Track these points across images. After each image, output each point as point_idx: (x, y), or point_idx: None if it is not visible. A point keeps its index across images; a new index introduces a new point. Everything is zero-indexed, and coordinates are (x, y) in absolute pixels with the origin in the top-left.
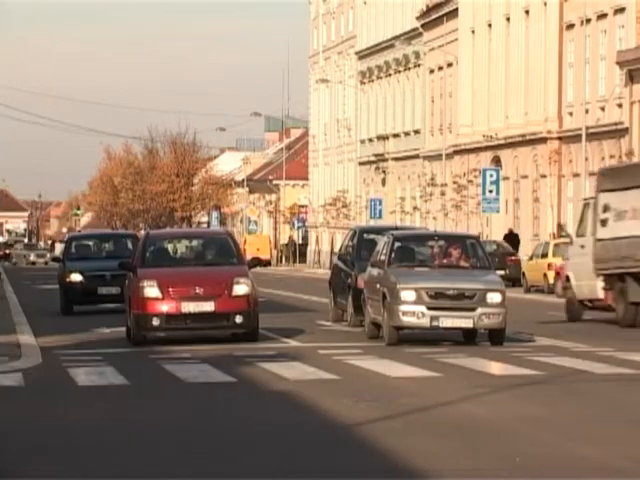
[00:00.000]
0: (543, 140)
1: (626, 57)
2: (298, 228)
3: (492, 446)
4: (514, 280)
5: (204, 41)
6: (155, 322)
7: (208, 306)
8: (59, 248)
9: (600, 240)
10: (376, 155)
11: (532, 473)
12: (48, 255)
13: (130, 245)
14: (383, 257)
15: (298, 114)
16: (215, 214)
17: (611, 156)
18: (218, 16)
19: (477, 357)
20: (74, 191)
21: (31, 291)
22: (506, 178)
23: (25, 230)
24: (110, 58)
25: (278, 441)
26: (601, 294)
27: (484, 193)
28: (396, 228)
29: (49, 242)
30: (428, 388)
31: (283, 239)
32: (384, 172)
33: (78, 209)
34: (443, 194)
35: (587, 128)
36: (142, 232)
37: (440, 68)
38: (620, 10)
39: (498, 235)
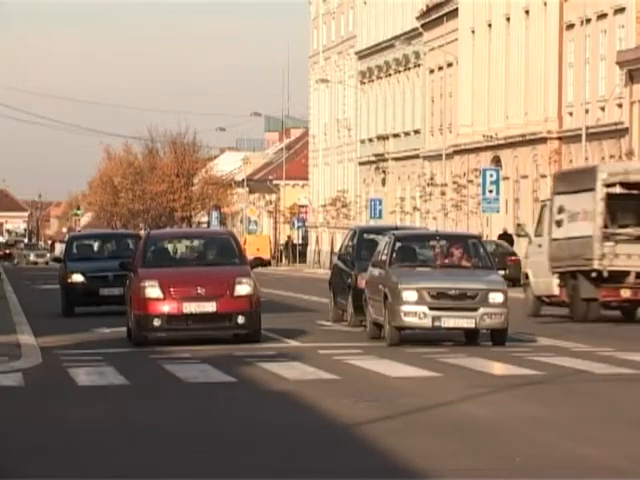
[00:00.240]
0: (543, 140)
1: (626, 57)
2: (298, 228)
3: (492, 446)
4: (514, 280)
5: (204, 41)
6: (156, 323)
7: (210, 306)
8: (59, 248)
9: (555, 240)
10: (376, 155)
11: (532, 473)
12: (48, 255)
13: (132, 245)
14: (384, 257)
15: (298, 114)
16: (215, 214)
17: (611, 156)
18: (218, 16)
19: (477, 357)
20: (74, 191)
21: (31, 291)
22: (506, 178)
23: (25, 230)
24: (110, 58)
25: (278, 441)
26: (556, 290)
27: (484, 193)
28: (396, 228)
29: (49, 242)
30: (428, 388)
31: (283, 239)
32: (384, 172)
33: (78, 209)
34: (443, 194)
35: (587, 128)
36: (142, 232)
37: (440, 68)
38: (620, 10)
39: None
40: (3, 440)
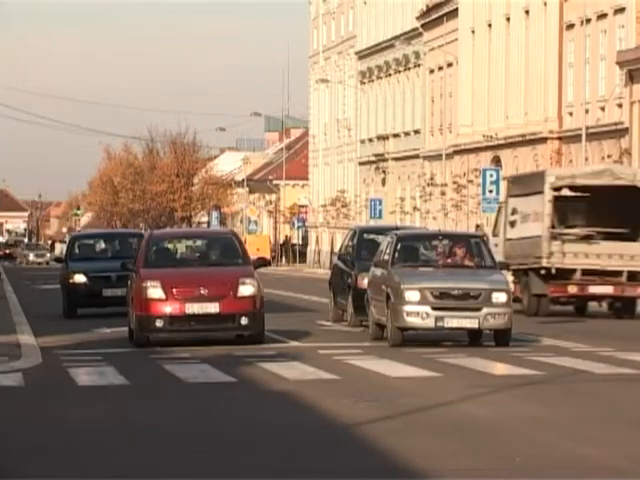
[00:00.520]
0: (543, 140)
1: (626, 57)
2: (298, 228)
3: (492, 446)
4: None
5: (204, 41)
6: (158, 324)
7: (213, 307)
8: (59, 248)
9: (509, 240)
10: (376, 155)
11: (532, 473)
12: (48, 255)
13: (136, 245)
14: (386, 257)
15: (298, 114)
16: (215, 214)
17: (609, 156)
18: (218, 16)
19: (477, 357)
20: (74, 191)
21: (31, 291)
22: (506, 178)
23: (25, 230)
24: (110, 58)
25: (278, 441)
26: (511, 287)
27: (484, 193)
28: (396, 228)
29: (49, 242)
30: (428, 388)
31: (282, 239)
32: (384, 172)
33: (78, 209)
34: (443, 194)
35: (587, 128)
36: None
37: (440, 68)
38: (620, 10)
39: None
40: (3, 440)
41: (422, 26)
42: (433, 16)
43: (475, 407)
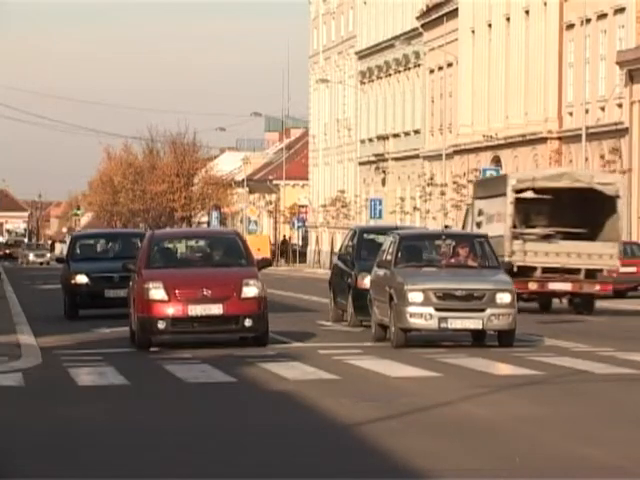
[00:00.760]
0: (543, 140)
1: (626, 57)
2: (298, 228)
3: (492, 446)
4: None
5: (204, 41)
6: (161, 325)
7: (216, 309)
8: (59, 248)
9: None
10: (376, 155)
11: (532, 473)
12: (48, 255)
13: (139, 244)
14: (389, 257)
15: (298, 114)
16: (215, 214)
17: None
18: (218, 16)
19: (477, 357)
20: (74, 191)
21: (31, 291)
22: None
23: (25, 230)
24: (110, 58)
25: (278, 441)
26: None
27: None
28: (396, 228)
29: (49, 242)
30: (428, 388)
31: (281, 239)
32: (384, 172)
33: (78, 209)
34: (443, 194)
35: (587, 128)
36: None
37: (440, 68)
38: (620, 10)
39: None
40: (3, 440)
41: (422, 26)
42: (433, 16)
43: (475, 407)
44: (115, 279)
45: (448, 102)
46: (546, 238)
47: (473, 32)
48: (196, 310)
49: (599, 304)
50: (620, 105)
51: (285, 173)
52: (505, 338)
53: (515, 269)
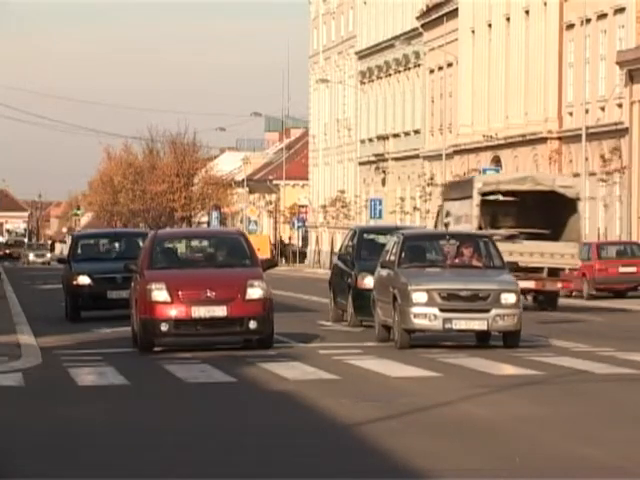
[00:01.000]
0: (543, 140)
1: (626, 57)
2: (298, 228)
3: (492, 446)
4: None
5: (204, 41)
6: (163, 328)
7: (220, 311)
8: (59, 248)
9: None
10: (376, 155)
11: (532, 473)
12: (48, 255)
13: (142, 244)
14: (393, 257)
15: (298, 114)
16: (215, 214)
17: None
18: (218, 16)
19: (477, 357)
20: (74, 191)
21: (31, 291)
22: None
23: (25, 230)
24: (110, 58)
25: (278, 441)
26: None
27: None
28: (396, 228)
29: (49, 242)
30: (428, 388)
31: (288, 240)
32: (384, 172)
33: (78, 209)
34: None
35: (587, 128)
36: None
37: (440, 68)
38: (620, 10)
39: None
40: (3, 440)
41: (422, 26)
42: (433, 16)
43: (475, 407)
44: (118, 280)
45: (448, 102)
46: (510, 238)
47: (473, 32)
48: (200, 312)
49: (599, 304)
50: (620, 105)
51: (285, 173)
52: (510, 339)
53: None
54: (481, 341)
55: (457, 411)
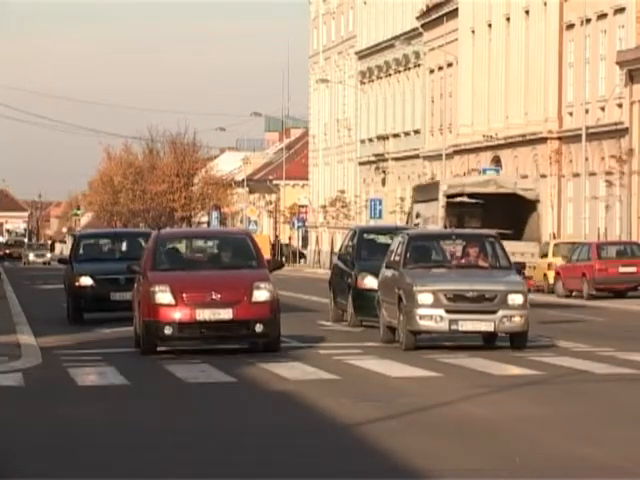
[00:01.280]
0: (543, 140)
1: (626, 57)
2: (298, 228)
3: (492, 446)
4: None
5: (204, 41)
6: (167, 331)
7: (226, 313)
8: (59, 248)
9: None
10: (376, 155)
11: (532, 473)
12: (48, 255)
13: (145, 245)
14: (398, 258)
15: (298, 114)
16: (215, 214)
17: (612, 156)
18: (218, 16)
19: (477, 357)
20: (74, 191)
21: (31, 291)
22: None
23: (25, 230)
24: (110, 58)
25: (278, 441)
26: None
27: None
28: (396, 228)
29: (49, 242)
30: (428, 388)
31: (283, 239)
32: (384, 172)
33: (78, 209)
34: None
35: (587, 128)
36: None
37: (440, 68)
38: (620, 10)
39: None
40: (3, 440)
41: (422, 26)
42: (433, 16)
43: (475, 407)
44: (121, 281)
45: (448, 102)
46: None
47: (473, 32)
48: (204, 315)
49: (599, 304)
50: (620, 105)
51: (285, 173)
52: (517, 340)
53: None
54: (487, 342)
55: (457, 411)
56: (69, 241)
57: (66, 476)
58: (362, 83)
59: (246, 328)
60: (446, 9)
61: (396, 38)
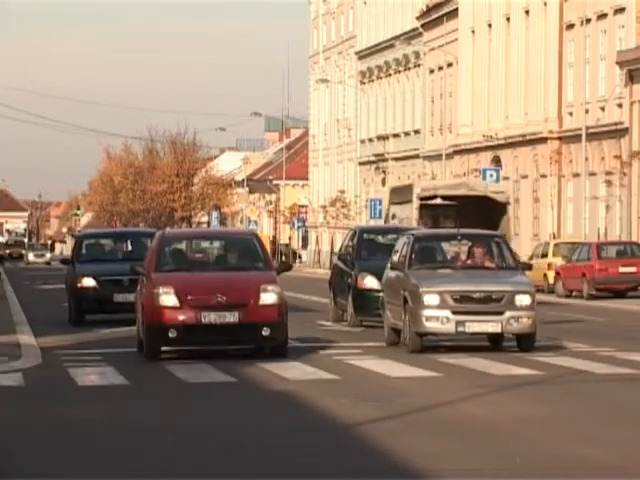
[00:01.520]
0: (543, 140)
1: (626, 57)
2: (298, 228)
3: (492, 446)
4: None
5: (204, 41)
6: (171, 334)
7: (232, 317)
8: (59, 248)
9: None
10: (376, 155)
11: (532, 473)
12: (48, 255)
13: (149, 245)
14: (403, 258)
15: (298, 114)
16: (215, 214)
17: (616, 156)
18: (218, 16)
19: (477, 357)
20: (74, 191)
21: (31, 291)
22: (506, 178)
23: (25, 230)
24: (110, 58)
25: (278, 441)
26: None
27: None
28: (396, 228)
29: (49, 242)
30: (428, 388)
31: (283, 239)
32: (384, 172)
33: (78, 209)
34: None
35: (587, 128)
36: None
37: (440, 68)
38: (620, 10)
39: None
40: (3, 440)
41: (422, 26)
42: (433, 16)
43: (475, 407)
44: (124, 282)
45: (448, 102)
46: None
47: (473, 32)
48: (210, 317)
49: (599, 304)
50: (620, 105)
51: (285, 173)
52: (525, 342)
53: None
54: (494, 344)
55: (457, 411)
56: (69, 241)
57: (66, 476)
58: (362, 83)
59: (253, 332)
60: (446, 9)
61: (396, 38)
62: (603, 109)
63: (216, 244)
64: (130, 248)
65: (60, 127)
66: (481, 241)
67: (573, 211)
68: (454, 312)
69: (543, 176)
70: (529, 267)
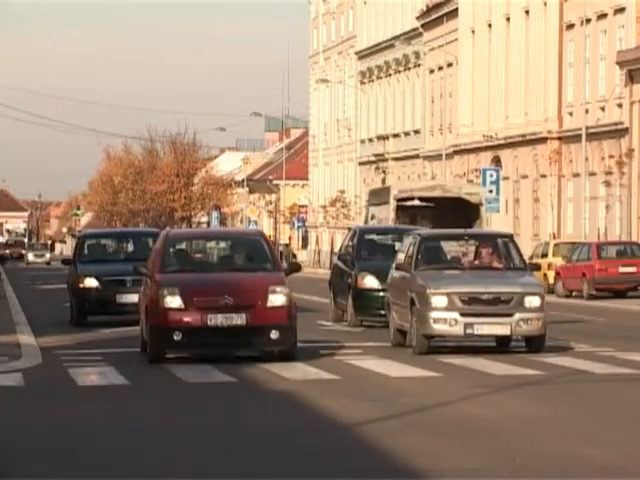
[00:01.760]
0: (543, 140)
1: (626, 57)
2: (298, 228)
3: (492, 446)
4: None
5: (204, 41)
6: (176, 337)
7: (239, 319)
8: (59, 248)
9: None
10: (376, 155)
11: (532, 473)
12: (48, 255)
13: (152, 245)
14: (409, 259)
15: (298, 114)
16: (215, 214)
17: (611, 156)
18: (218, 16)
19: (477, 357)
20: (74, 191)
21: (31, 291)
22: (506, 178)
23: (25, 230)
24: (110, 58)
25: (278, 441)
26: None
27: None
28: (396, 229)
29: (49, 242)
30: (428, 388)
31: (283, 239)
32: (384, 172)
33: (78, 209)
34: None
35: (587, 128)
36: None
37: (440, 68)
38: (620, 10)
39: None
40: (3, 440)
41: (422, 26)
42: (433, 16)
43: (475, 407)
44: (127, 283)
45: (448, 102)
46: None
47: (473, 32)
48: (216, 320)
49: (599, 304)
50: (620, 105)
51: (285, 173)
52: (535, 344)
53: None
54: (502, 346)
55: (457, 411)
56: (69, 241)
57: (66, 476)
58: (362, 83)
59: (260, 335)
60: (446, 9)
61: (396, 38)
62: (603, 109)
63: (222, 244)
64: (132, 248)
65: (60, 127)
66: (488, 241)
67: (573, 211)
68: (462, 314)
69: (543, 176)
70: (537, 267)
